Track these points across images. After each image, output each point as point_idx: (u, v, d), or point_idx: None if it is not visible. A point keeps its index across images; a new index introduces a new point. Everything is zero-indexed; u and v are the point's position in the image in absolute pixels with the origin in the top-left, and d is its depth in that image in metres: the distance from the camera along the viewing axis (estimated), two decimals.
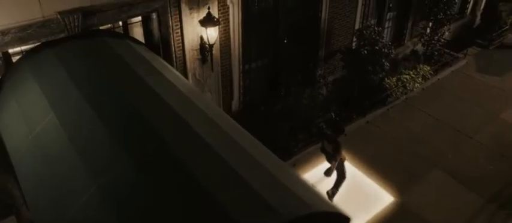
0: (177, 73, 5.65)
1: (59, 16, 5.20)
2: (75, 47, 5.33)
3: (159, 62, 5.66)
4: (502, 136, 8.94)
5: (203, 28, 6.43)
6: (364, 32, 8.54)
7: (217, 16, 6.73)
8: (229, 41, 7.19)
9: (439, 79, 10.90)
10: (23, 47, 5.35)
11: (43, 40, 5.26)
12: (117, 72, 4.92)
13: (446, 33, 11.06)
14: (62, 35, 5.33)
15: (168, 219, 3.10)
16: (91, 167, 3.63)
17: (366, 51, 8.37)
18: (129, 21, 6.53)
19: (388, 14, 10.24)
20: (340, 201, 7.28)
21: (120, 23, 6.28)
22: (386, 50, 8.45)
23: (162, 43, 6.43)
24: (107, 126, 3.99)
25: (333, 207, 3.55)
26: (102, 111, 4.19)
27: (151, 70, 5.15)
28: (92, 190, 3.43)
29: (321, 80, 8.74)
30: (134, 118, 4.11)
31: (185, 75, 6.91)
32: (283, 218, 2.96)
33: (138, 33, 6.62)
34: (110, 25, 6.06)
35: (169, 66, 5.81)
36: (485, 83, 10.85)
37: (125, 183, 3.45)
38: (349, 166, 8.05)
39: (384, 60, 8.60)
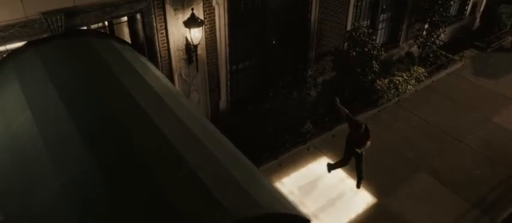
0: (158, 73, 5.75)
1: (41, 16, 5.33)
2: (58, 47, 5.46)
3: (141, 63, 5.76)
4: (492, 140, 8.89)
5: (187, 28, 6.52)
6: (354, 33, 8.55)
7: (202, 17, 6.82)
8: (216, 42, 7.27)
9: (433, 81, 10.86)
10: (9, 46, 5.49)
11: (26, 40, 5.39)
12: (96, 73, 5.03)
13: (442, 35, 11.00)
14: (45, 35, 5.46)
15: (125, 219, 3.21)
16: (58, 165, 3.75)
17: (354, 53, 8.39)
18: (116, 21, 6.66)
19: (382, 15, 10.22)
20: (323, 202, 7.35)
21: (106, 23, 6.41)
22: (375, 52, 8.45)
23: (146, 43, 6.54)
24: (79, 126, 4.10)
25: (291, 208, 3.61)
26: (76, 111, 4.31)
27: (130, 71, 5.26)
28: (55, 188, 3.54)
29: (310, 81, 8.78)
30: (106, 119, 4.22)
31: (171, 75, 7.02)
32: (232, 217, 3.04)
33: (127, 33, 6.75)
34: (99, 25, 6.19)
35: (151, 66, 5.91)
36: (480, 86, 10.78)
37: (88, 182, 3.55)
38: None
39: (373, 62, 8.61)
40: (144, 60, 6.09)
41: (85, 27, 6.09)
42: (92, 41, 5.73)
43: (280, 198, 3.68)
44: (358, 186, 7.59)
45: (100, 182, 3.50)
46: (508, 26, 12.88)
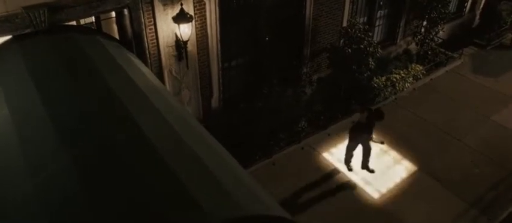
0: (145, 70, 5.58)
1: (23, 11, 5.17)
2: (40, 43, 5.30)
3: (127, 59, 5.60)
4: (491, 139, 8.70)
5: (176, 24, 6.35)
6: (349, 30, 8.37)
7: (193, 12, 6.66)
8: (207, 38, 7.10)
9: (431, 79, 10.67)
10: None
11: (8, 35, 5.24)
12: (78, 69, 4.87)
13: (441, 32, 10.80)
14: (27, 30, 5.30)
15: (99, 220, 3.05)
16: (32, 164, 3.58)
17: (350, 50, 8.20)
18: (104, 17, 6.51)
19: (379, 11, 10.03)
20: (315, 200, 7.18)
21: (93, 18, 6.25)
22: (371, 49, 8.27)
23: (135, 39, 6.37)
24: (56, 124, 3.95)
25: (274, 209, 3.44)
26: (54, 109, 4.15)
27: (115, 67, 5.10)
28: (28, 188, 3.38)
29: (305, 79, 8.60)
30: (85, 117, 4.06)
31: (161, 72, 6.86)
32: (210, 220, 2.88)
33: (116, 29, 6.60)
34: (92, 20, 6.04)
35: (138, 62, 5.75)
36: (479, 84, 10.59)
37: (63, 182, 3.40)
38: (329, 166, 7.94)
39: (369, 59, 8.43)
40: (131, 56, 5.92)
41: (74, 23, 5.96)
42: (77, 36, 5.58)
43: (264, 199, 3.51)
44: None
45: (75, 181, 3.34)
46: (508, 23, 12.67)
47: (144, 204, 3.03)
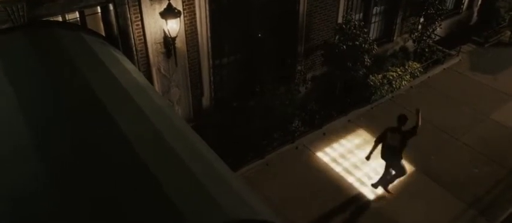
0: (130, 67, 5.34)
1: (0, 5, 4.92)
2: (19, 39, 5.06)
3: (111, 56, 5.37)
4: (490, 138, 8.49)
5: (163, 20, 6.11)
6: (344, 26, 8.15)
7: (181, 7, 6.42)
8: (197, 34, 6.86)
9: (429, 77, 10.46)
10: None
11: None
12: (57, 66, 4.64)
13: (438, 29, 10.59)
14: (5, 26, 5.05)
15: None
16: (2, 165, 3.35)
17: (345, 47, 7.98)
18: (89, 12, 6.25)
19: (375, 8, 9.81)
20: (307, 205, 6.95)
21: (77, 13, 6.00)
22: (367, 46, 8.04)
23: (120, 36, 6.13)
24: (29, 123, 3.72)
25: (261, 213, 3.21)
26: (27, 107, 3.92)
27: (97, 64, 4.87)
28: None
29: (299, 77, 8.37)
30: (59, 116, 3.83)
31: (148, 69, 6.62)
32: None
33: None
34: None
35: (123, 59, 5.51)
36: (478, 81, 10.38)
37: (34, 182, 3.17)
38: (324, 166, 7.72)
39: (365, 56, 8.20)
40: (116, 53, 5.68)
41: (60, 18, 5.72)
42: (58, 32, 5.33)
43: (252, 203, 3.27)
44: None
45: (46, 181, 3.12)
46: (507, 20, 12.48)
47: (121, 211, 2.81)
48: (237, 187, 3.49)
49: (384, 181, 7.10)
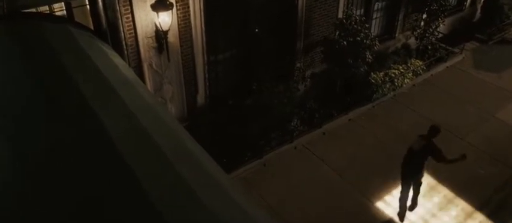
0: (119, 62, 5.01)
1: None
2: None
3: (99, 50, 5.05)
4: (496, 137, 8.18)
5: (154, 12, 5.79)
6: (345, 21, 7.83)
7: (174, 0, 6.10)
8: (190, 29, 6.55)
9: (431, 75, 10.15)
10: None
11: None
12: (36, 60, 4.32)
13: (441, 25, 10.29)
14: None
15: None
16: None
17: (346, 43, 7.66)
18: (77, 4, 5.94)
19: (377, 4, 9.51)
20: (307, 200, 6.64)
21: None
22: (368, 41, 7.73)
23: (109, 29, 5.80)
24: (3, 119, 3.41)
25: (257, 220, 2.89)
26: (3, 103, 3.61)
27: (80, 58, 4.55)
28: None
29: (298, 74, 8.05)
30: (36, 113, 3.51)
31: (140, 65, 6.30)
32: None
33: None
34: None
35: (111, 54, 5.18)
36: (482, 79, 10.08)
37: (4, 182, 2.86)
38: (325, 168, 7.41)
39: (367, 53, 7.89)
40: (105, 47, 5.36)
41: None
42: (42, 25, 5.01)
43: (242, 205, 2.96)
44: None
45: (15, 180, 2.81)
46: (511, 18, 12.19)
47: (94, 211, 2.49)
48: (229, 189, 3.18)
49: (403, 206, 6.35)
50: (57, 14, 6.01)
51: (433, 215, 6.58)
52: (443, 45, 10.87)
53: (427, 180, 7.16)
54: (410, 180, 6.17)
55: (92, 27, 5.98)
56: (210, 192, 2.85)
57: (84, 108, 3.59)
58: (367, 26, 7.98)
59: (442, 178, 7.18)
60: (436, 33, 10.41)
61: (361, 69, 8.03)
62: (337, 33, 8.11)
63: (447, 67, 10.51)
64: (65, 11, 5.89)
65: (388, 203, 6.75)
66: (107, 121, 3.39)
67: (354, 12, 8.37)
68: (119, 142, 3.10)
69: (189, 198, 2.65)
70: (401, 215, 6.39)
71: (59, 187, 2.76)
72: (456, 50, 10.99)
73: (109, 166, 2.92)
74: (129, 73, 4.90)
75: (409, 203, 6.41)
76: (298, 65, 8.20)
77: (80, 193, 2.70)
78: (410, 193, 6.32)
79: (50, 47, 4.58)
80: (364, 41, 7.72)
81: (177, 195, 2.69)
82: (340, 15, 8.39)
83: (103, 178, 2.82)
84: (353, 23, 7.80)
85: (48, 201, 2.67)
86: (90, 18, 6.07)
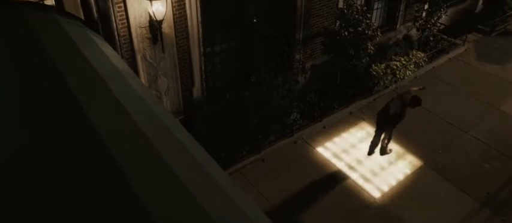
0: (110, 52, 4.72)
1: None
2: None
3: (89, 40, 4.77)
4: (500, 130, 7.98)
5: (148, 1, 5.52)
6: (346, 11, 7.58)
7: None
8: (186, 19, 6.27)
9: (434, 67, 9.93)
10: None
11: None
12: (22, 50, 4.05)
13: (443, 16, 10.05)
14: None
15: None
16: None
17: (347, 33, 7.41)
18: None
19: None
20: (308, 196, 6.42)
21: None
22: (370, 32, 7.48)
23: (100, 18, 5.54)
24: None
25: (252, 220, 2.66)
26: None
27: (68, 48, 4.28)
28: None
29: (298, 66, 7.80)
30: (17, 105, 3.25)
31: (133, 56, 6.03)
32: None
33: None
34: None
35: (102, 44, 4.91)
36: (485, 71, 9.86)
37: None
38: (325, 162, 7.18)
39: (368, 44, 7.64)
40: (95, 37, 5.08)
41: None
42: (27, 13, 4.74)
43: (241, 209, 2.72)
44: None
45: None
46: None
47: (79, 211, 2.26)
48: (226, 187, 2.94)
49: (373, 146, 7.22)
50: (46, 3, 5.74)
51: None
52: (445, 37, 10.65)
53: (429, 173, 6.97)
54: (382, 130, 7.05)
55: (82, 17, 5.72)
56: (212, 197, 2.62)
57: (70, 100, 3.34)
58: (368, 16, 7.71)
59: (445, 171, 6.97)
60: (438, 25, 10.17)
61: (363, 61, 7.79)
62: (338, 23, 7.86)
63: (449, 59, 10.29)
64: (53, 0, 5.63)
65: (392, 200, 6.54)
66: (93, 115, 3.14)
67: (355, 1, 8.10)
68: (111, 141, 2.85)
69: (185, 199, 2.41)
70: (370, 153, 7.25)
71: (41, 187, 2.52)
72: (458, 42, 10.76)
73: (101, 170, 2.67)
74: (120, 64, 4.62)
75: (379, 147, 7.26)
76: (297, 56, 7.95)
77: (62, 191, 2.46)
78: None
79: (36, 36, 4.31)
80: (366, 31, 7.47)
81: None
82: (340, 5, 8.12)
83: (89, 176, 2.59)
84: (354, 12, 7.54)
85: (29, 198, 2.43)
86: (81, 8, 5.80)
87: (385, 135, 7.12)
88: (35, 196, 2.39)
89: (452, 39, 10.70)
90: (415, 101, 6.50)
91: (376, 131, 7.14)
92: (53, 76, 3.65)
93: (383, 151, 7.26)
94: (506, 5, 11.98)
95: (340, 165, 7.08)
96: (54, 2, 5.48)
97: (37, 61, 3.90)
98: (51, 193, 2.42)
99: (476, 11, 12.35)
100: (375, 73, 8.66)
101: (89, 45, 4.60)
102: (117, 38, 5.74)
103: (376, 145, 7.20)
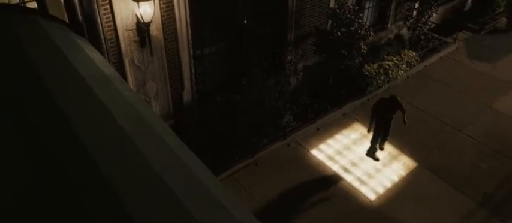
0: (95, 56, 4.54)
1: None
2: None
3: (73, 43, 4.58)
4: (495, 128, 7.94)
5: (135, 3, 5.33)
6: (337, 10, 7.46)
7: None
8: (175, 21, 6.09)
9: (425, 66, 9.88)
10: None
11: None
12: (1, 54, 3.85)
13: (434, 15, 10.01)
14: None
15: None
16: None
17: (339, 33, 7.29)
18: None
19: None
20: (302, 200, 6.27)
21: None
22: (362, 32, 7.37)
23: (85, 21, 5.32)
24: None
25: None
26: None
27: (50, 52, 4.09)
28: None
29: (290, 67, 7.66)
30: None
31: (120, 60, 5.83)
32: None
33: None
34: None
35: (87, 47, 4.71)
36: (477, 70, 9.84)
37: None
38: (319, 165, 7.05)
39: (361, 43, 7.54)
40: (80, 41, 4.88)
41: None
42: (8, 16, 4.52)
43: (231, 214, 2.56)
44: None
45: None
46: (502, 6, 11.98)
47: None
48: (215, 192, 2.78)
49: (373, 150, 7.13)
50: (28, 5, 5.51)
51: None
52: (436, 36, 10.63)
53: (424, 173, 6.88)
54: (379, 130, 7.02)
55: (66, 20, 5.50)
56: (193, 195, 2.46)
57: (52, 106, 3.14)
58: (360, 15, 7.61)
59: (441, 172, 6.89)
60: (429, 23, 10.13)
61: (356, 60, 7.68)
62: (330, 23, 7.74)
63: (441, 57, 10.25)
64: (36, 3, 5.40)
65: (388, 202, 6.43)
66: (76, 121, 2.96)
67: (347, 1, 7.99)
68: (96, 148, 2.68)
69: (179, 210, 2.25)
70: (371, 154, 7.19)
71: (21, 199, 2.33)
72: (449, 40, 10.74)
73: (81, 172, 2.50)
74: (106, 68, 4.44)
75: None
76: (289, 57, 7.81)
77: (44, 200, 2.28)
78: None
79: (16, 40, 4.11)
80: (359, 31, 7.37)
81: (156, 199, 2.29)
82: (332, 4, 8.01)
83: (74, 185, 2.40)
84: (346, 12, 7.43)
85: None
86: (65, 10, 5.59)
87: (382, 136, 7.07)
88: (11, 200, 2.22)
89: (443, 38, 10.68)
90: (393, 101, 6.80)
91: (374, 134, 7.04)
92: (35, 83, 3.47)
93: (370, 153, 7.12)
94: (495, 3, 12.01)
95: (335, 168, 6.96)
96: (36, 5, 5.25)
97: (18, 67, 3.71)
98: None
99: (466, 9, 12.36)
100: (367, 73, 8.56)
101: (74, 50, 4.41)
102: (103, 41, 5.53)
103: (376, 150, 7.14)
